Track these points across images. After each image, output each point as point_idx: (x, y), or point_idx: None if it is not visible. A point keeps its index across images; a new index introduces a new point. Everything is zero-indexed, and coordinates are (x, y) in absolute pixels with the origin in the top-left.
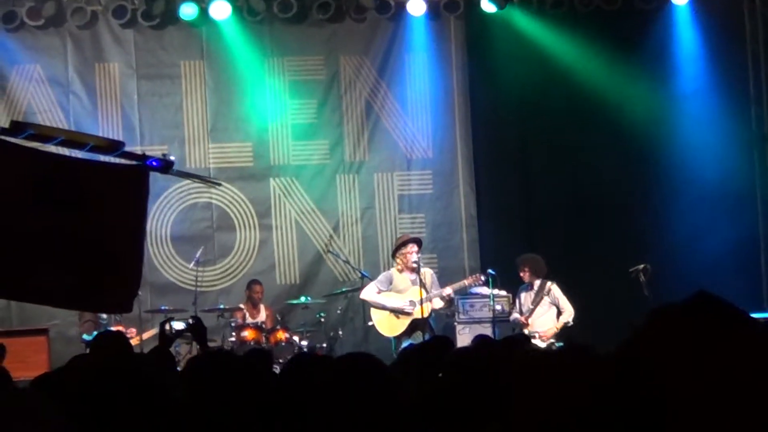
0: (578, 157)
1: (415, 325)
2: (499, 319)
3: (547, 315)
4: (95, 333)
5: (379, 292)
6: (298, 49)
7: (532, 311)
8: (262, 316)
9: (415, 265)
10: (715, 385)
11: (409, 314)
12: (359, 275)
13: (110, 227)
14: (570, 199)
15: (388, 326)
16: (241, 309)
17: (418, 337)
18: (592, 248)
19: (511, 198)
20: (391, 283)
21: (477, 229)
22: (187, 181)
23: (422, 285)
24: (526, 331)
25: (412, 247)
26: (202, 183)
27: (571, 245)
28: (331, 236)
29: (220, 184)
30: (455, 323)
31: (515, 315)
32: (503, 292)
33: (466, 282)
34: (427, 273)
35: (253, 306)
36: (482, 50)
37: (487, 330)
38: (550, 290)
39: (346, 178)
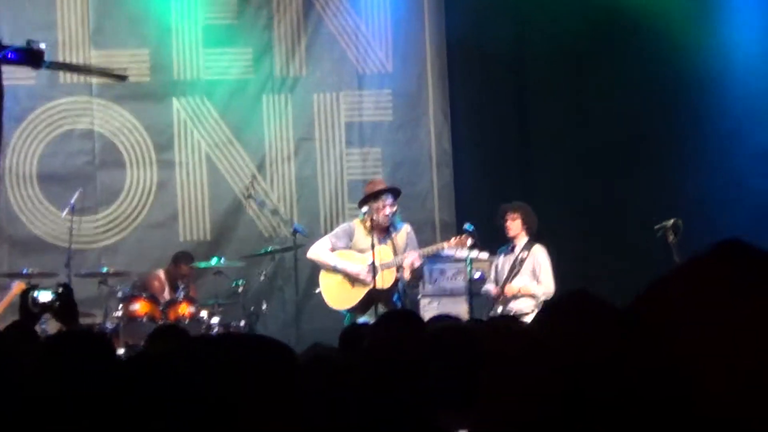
0: (590, 81)
1: (374, 298)
2: (477, 291)
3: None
4: None
5: (333, 249)
6: None
7: (506, 281)
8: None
9: (386, 223)
10: (746, 353)
11: (366, 284)
12: (291, 230)
13: None
14: (577, 135)
15: (339, 295)
16: (156, 276)
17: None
18: (605, 199)
19: (498, 129)
20: (351, 239)
21: (451, 170)
22: (61, 101)
23: (393, 247)
24: (499, 309)
25: (386, 200)
26: (91, 76)
27: (577, 194)
28: (254, 177)
29: (125, 78)
30: (419, 297)
31: (488, 285)
32: (484, 255)
33: (445, 245)
34: (404, 231)
35: (172, 286)
36: None
37: (460, 305)
38: (535, 253)
39: (276, 99)
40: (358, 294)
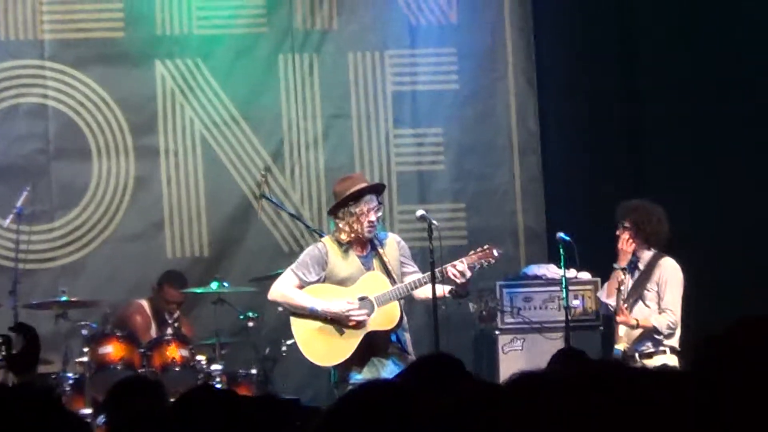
0: (729, 38)
1: (373, 345)
2: (578, 325)
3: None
4: None
5: (301, 285)
6: None
7: (628, 303)
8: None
9: (370, 234)
10: None
11: (358, 326)
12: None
13: None
14: (709, 111)
15: (324, 347)
16: (136, 307)
17: (376, 368)
18: (746, 198)
19: (603, 101)
20: (325, 267)
21: (539, 158)
22: (1, 66)
23: (384, 267)
24: (621, 347)
25: (371, 203)
26: None
27: (708, 193)
28: (267, 169)
29: None
30: (496, 332)
31: (609, 300)
32: (585, 275)
33: (464, 261)
34: (392, 241)
35: (159, 321)
36: None
37: (553, 343)
38: (662, 269)
39: (298, 61)
40: (352, 341)
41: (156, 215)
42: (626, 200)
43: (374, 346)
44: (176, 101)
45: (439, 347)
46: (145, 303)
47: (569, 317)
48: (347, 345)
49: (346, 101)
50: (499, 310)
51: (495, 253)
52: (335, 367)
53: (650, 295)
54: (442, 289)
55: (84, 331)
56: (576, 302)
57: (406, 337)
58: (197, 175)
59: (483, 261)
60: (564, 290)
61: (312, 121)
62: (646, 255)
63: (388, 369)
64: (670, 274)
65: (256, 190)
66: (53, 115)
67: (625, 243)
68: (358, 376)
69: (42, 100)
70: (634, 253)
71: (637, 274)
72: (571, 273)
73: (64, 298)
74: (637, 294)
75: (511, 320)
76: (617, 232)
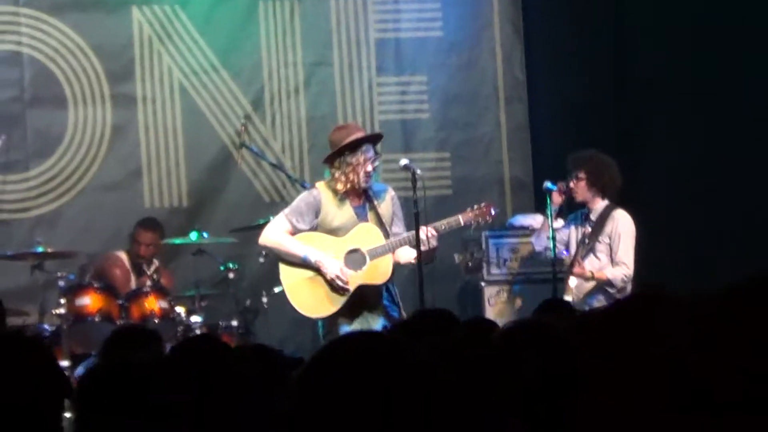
0: None
1: (363, 298)
2: (565, 276)
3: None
4: None
5: (293, 232)
6: None
7: (574, 262)
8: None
9: (366, 184)
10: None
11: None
12: (301, 189)
13: None
14: (701, 62)
15: (313, 298)
16: (115, 259)
17: (367, 323)
18: (734, 160)
19: (592, 48)
20: (318, 214)
21: (526, 107)
22: None
23: (378, 219)
24: (568, 298)
25: (368, 153)
26: None
27: (694, 145)
28: (247, 118)
29: None
30: (482, 284)
31: (559, 248)
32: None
33: (460, 218)
34: (388, 197)
35: (134, 266)
36: None
37: (541, 296)
38: (615, 221)
39: (278, 7)
40: (343, 294)
41: (133, 164)
42: (581, 151)
43: (365, 299)
44: (154, 48)
45: (423, 300)
46: (123, 255)
47: (556, 267)
48: (337, 297)
49: (328, 48)
50: (485, 262)
51: (492, 211)
52: (323, 318)
53: (601, 247)
54: (410, 254)
55: (61, 283)
56: (564, 253)
57: (396, 289)
58: (176, 124)
59: (479, 219)
60: (551, 240)
61: (293, 69)
62: (599, 206)
63: (378, 325)
64: (623, 227)
65: (236, 139)
66: (28, 62)
67: (580, 192)
68: (348, 329)
69: (16, 47)
70: (585, 204)
71: (587, 225)
72: (558, 223)
73: (40, 249)
74: (588, 246)
75: (497, 271)
76: (570, 184)
